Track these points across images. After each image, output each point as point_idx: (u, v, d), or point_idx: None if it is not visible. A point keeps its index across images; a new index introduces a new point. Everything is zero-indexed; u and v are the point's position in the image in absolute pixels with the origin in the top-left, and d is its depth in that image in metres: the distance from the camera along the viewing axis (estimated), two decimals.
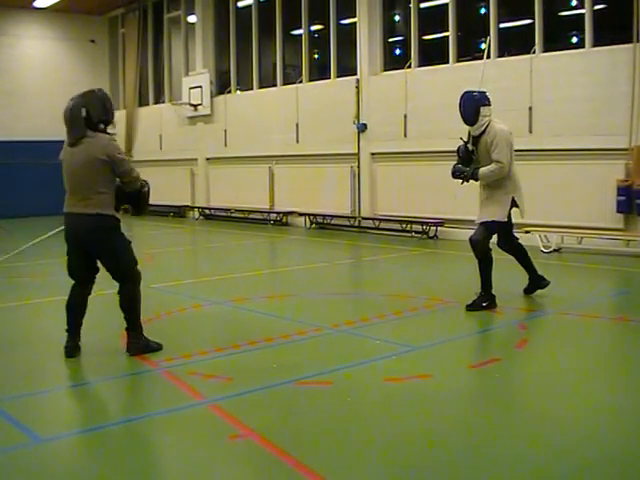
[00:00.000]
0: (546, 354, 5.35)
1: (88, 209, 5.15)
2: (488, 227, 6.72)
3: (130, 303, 5.37)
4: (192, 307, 7.15)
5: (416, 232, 12.87)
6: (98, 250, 5.27)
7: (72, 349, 5.41)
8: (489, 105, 6.68)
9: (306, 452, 3.57)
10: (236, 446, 3.69)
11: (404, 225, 13.10)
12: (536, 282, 7.17)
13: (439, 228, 12.60)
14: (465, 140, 6.87)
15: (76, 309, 5.50)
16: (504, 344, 5.64)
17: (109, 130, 5.42)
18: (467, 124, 6.73)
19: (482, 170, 6.66)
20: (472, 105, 6.63)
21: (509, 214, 6.80)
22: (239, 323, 6.54)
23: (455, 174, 6.91)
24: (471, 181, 6.88)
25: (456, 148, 6.95)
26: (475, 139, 6.71)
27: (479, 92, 6.78)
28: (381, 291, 7.96)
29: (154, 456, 3.72)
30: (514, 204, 6.75)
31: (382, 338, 5.75)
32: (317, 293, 7.71)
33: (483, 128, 6.60)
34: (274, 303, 7.26)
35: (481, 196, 6.92)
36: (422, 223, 12.71)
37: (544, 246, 10.69)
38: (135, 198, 5.45)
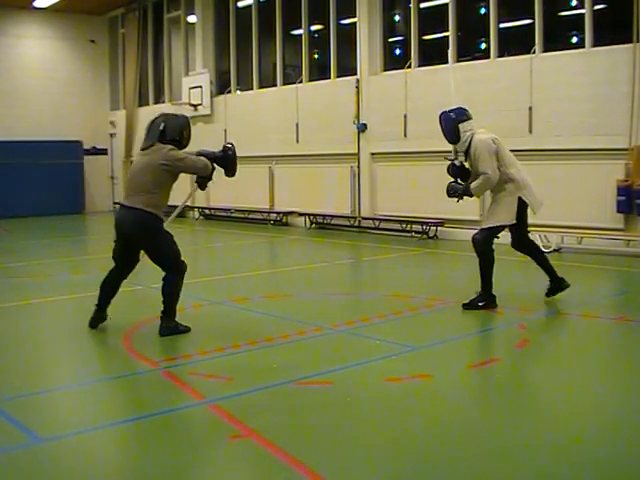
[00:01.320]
0: (546, 354, 5.35)
1: (135, 204, 5.79)
2: (492, 228, 6.70)
3: (170, 290, 5.91)
4: (192, 307, 7.15)
5: (416, 232, 12.87)
6: (138, 242, 5.90)
7: (95, 320, 6.10)
8: (468, 119, 6.71)
9: (306, 452, 3.57)
10: (236, 446, 3.69)
11: (404, 225, 13.10)
12: (557, 284, 6.98)
13: (439, 228, 12.60)
14: (451, 158, 6.92)
15: (107, 288, 6.13)
16: (504, 344, 5.65)
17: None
18: (451, 143, 6.81)
19: (472, 185, 6.71)
20: (450, 125, 6.68)
21: (522, 214, 6.71)
22: (239, 323, 6.54)
23: (449, 193, 6.98)
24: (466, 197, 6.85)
25: (446, 169, 6.93)
26: (465, 154, 6.74)
27: (456, 109, 6.78)
28: (381, 291, 7.96)
29: (154, 456, 3.72)
30: (523, 203, 6.67)
31: (382, 338, 5.76)
32: (317, 293, 7.71)
33: (467, 143, 6.64)
34: (274, 303, 7.26)
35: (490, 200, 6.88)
36: (422, 223, 12.71)
37: (544, 246, 10.67)
38: (222, 160, 6.04)
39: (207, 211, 17.84)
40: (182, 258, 5.93)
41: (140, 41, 20.08)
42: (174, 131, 5.91)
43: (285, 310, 6.98)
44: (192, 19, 18.41)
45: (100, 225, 18.39)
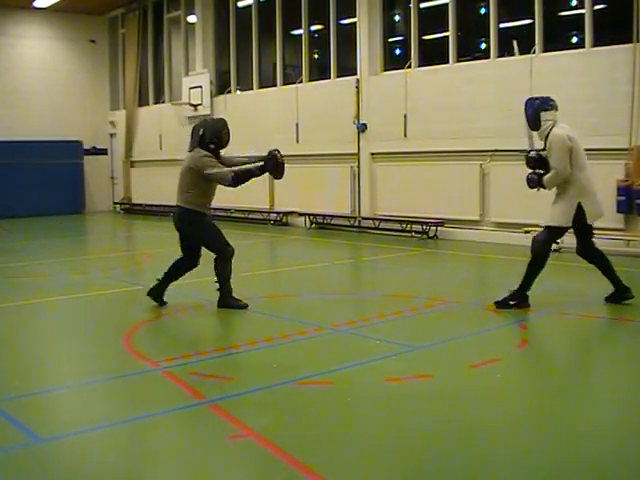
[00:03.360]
0: (546, 354, 5.35)
1: (178, 202, 6.77)
2: (551, 230, 6.66)
3: (218, 273, 6.84)
4: (192, 307, 7.15)
5: (416, 232, 12.87)
6: (184, 234, 6.87)
7: (152, 290, 6.99)
8: (551, 110, 6.66)
9: (306, 452, 3.57)
10: (236, 446, 3.69)
11: (404, 225, 13.10)
12: (620, 293, 6.81)
13: (439, 228, 12.60)
14: (527, 150, 6.87)
15: (172, 271, 7.00)
16: (504, 344, 5.65)
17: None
18: (532, 130, 6.78)
19: (545, 178, 6.66)
20: (532, 111, 6.67)
21: (584, 221, 6.59)
22: (239, 323, 6.54)
23: (528, 184, 6.94)
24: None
25: (524, 160, 6.90)
26: (545, 144, 6.69)
27: (542, 97, 6.79)
28: (381, 291, 7.96)
29: (154, 456, 3.72)
30: (582, 210, 6.54)
31: (382, 338, 5.76)
32: (317, 293, 7.71)
33: (546, 132, 6.59)
34: (274, 303, 7.26)
35: None
36: (422, 223, 12.70)
37: None
38: (267, 166, 6.66)
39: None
40: (227, 245, 6.85)
41: (140, 41, 20.08)
42: (212, 134, 6.77)
43: (285, 310, 6.98)
44: (192, 19, 18.40)
45: (100, 225, 18.39)
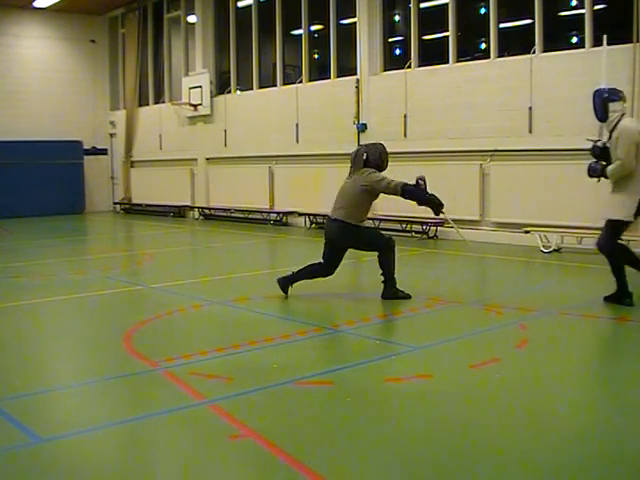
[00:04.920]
0: (546, 354, 5.35)
1: (339, 216, 7.19)
2: (611, 226, 6.61)
3: (384, 264, 7.24)
4: (192, 307, 7.16)
5: (416, 232, 12.87)
6: (341, 246, 7.30)
7: (281, 280, 7.34)
8: (619, 101, 6.64)
9: (306, 452, 3.57)
10: (236, 446, 3.69)
11: (404, 225, 13.10)
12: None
13: (439, 228, 12.60)
14: (594, 139, 6.89)
15: (306, 272, 7.34)
16: (504, 344, 5.64)
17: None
18: (599, 121, 6.80)
19: (608, 168, 6.64)
20: (600, 102, 6.65)
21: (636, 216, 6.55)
22: (239, 323, 6.54)
23: (589, 173, 6.93)
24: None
25: (590, 149, 6.91)
26: (610, 135, 6.67)
27: (610, 89, 6.77)
28: (381, 291, 7.95)
29: (154, 456, 3.72)
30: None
31: (382, 338, 5.76)
32: (317, 293, 7.71)
33: (613, 124, 6.57)
34: (274, 303, 7.26)
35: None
36: (422, 223, 12.70)
37: (544, 246, 10.69)
38: (424, 202, 7.11)
39: (207, 211, 17.85)
40: (384, 238, 7.34)
41: (140, 41, 20.08)
42: (375, 157, 7.20)
43: (285, 310, 6.98)
44: (192, 19, 18.41)
45: (100, 225, 18.40)
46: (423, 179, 7.03)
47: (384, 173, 7.20)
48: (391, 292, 7.20)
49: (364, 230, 7.40)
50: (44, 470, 3.46)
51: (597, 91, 6.79)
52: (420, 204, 7.17)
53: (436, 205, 7.00)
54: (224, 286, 8.52)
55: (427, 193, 7.01)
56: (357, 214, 7.20)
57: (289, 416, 4.11)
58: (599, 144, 6.83)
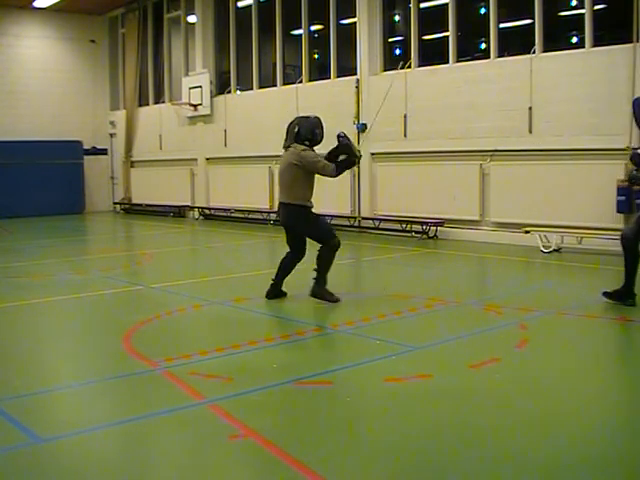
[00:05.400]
0: (546, 354, 5.35)
1: (285, 199, 7.01)
2: None
3: (322, 260, 7.02)
4: (192, 307, 7.16)
5: (416, 232, 12.87)
6: (294, 229, 7.11)
7: (269, 293, 7.23)
8: None
9: (306, 452, 3.57)
10: (236, 446, 3.69)
11: (404, 225, 13.10)
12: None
13: (439, 228, 12.61)
14: (635, 147, 6.93)
15: (283, 267, 7.23)
16: (504, 344, 5.64)
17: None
18: None
19: None
20: None
21: None
22: (239, 323, 6.54)
23: (631, 181, 7.02)
24: None
25: (629, 156, 6.90)
26: None
27: None
28: (381, 291, 7.96)
29: (154, 456, 3.72)
30: None
31: (382, 338, 5.75)
32: None
33: None
34: (274, 303, 7.26)
35: None
36: (422, 223, 12.71)
37: (544, 246, 10.69)
38: (340, 150, 6.93)
39: (207, 211, 17.85)
40: (334, 236, 7.03)
41: (140, 41, 20.08)
42: (307, 131, 6.99)
43: (285, 310, 6.98)
44: (192, 19, 18.40)
45: (100, 225, 18.39)
46: (344, 135, 6.96)
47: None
48: (320, 291, 7.04)
49: (317, 217, 7.21)
50: (44, 470, 3.46)
51: (637, 100, 6.71)
52: (345, 153, 6.97)
53: (352, 158, 6.93)
54: (224, 286, 8.52)
55: (348, 148, 6.91)
56: (299, 193, 6.96)
57: (289, 416, 4.11)
58: (639, 151, 6.76)
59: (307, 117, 7.18)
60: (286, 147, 7.11)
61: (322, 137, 7.12)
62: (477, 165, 12.16)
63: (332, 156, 6.98)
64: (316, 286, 7.06)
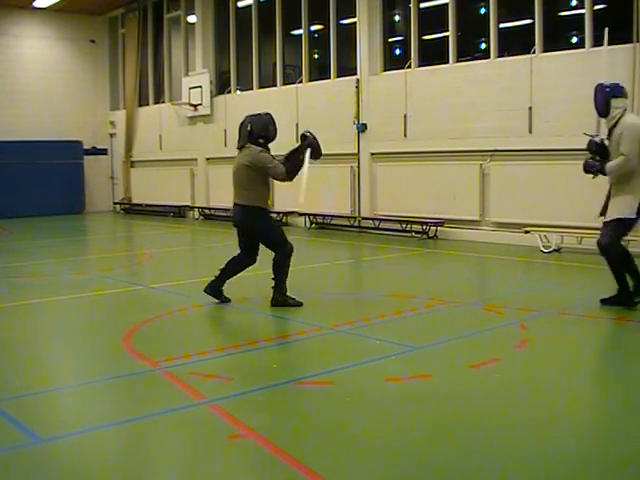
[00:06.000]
0: (546, 354, 5.35)
1: (239, 200, 6.92)
2: (614, 226, 6.48)
3: (276, 267, 6.88)
4: (192, 307, 7.16)
5: (416, 232, 12.87)
6: (247, 232, 6.96)
7: (208, 286, 7.09)
8: (622, 97, 6.58)
9: (306, 452, 3.57)
10: (236, 446, 3.69)
11: (404, 225, 13.10)
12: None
13: (439, 228, 12.61)
14: (592, 134, 6.81)
15: (229, 268, 7.11)
16: (504, 344, 5.65)
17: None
18: (600, 116, 6.72)
19: (608, 164, 6.54)
20: (602, 97, 6.57)
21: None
22: (239, 323, 6.54)
23: (585, 169, 6.82)
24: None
25: (586, 144, 6.82)
26: (609, 132, 6.60)
27: (612, 84, 6.66)
28: (381, 291, 7.96)
29: (154, 456, 3.72)
30: None
31: (382, 338, 5.75)
32: (317, 293, 7.71)
33: (615, 120, 6.50)
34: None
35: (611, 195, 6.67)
36: (422, 223, 12.71)
37: (544, 246, 10.70)
38: (307, 144, 6.71)
39: (207, 211, 17.84)
40: (286, 241, 6.88)
41: (140, 41, 20.08)
42: (260, 129, 6.80)
43: (285, 310, 6.97)
44: (192, 19, 18.41)
45: (100, 225, 18.39)
46: (309, 133, 6.77)
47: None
48: (280, 299, 6.91)
49: (269, 221, 7.12)
50: (44, 470, 3.46)
51: (599, 86, 6.69)
52: (303, 155, 6.74)
53: (313, 141, 6.71)
54: (224, 286, 8.50)
55: (297, 150, 6.76)
56: (253, 195, 6.85)
57: (289, 416, 4.11)
58: (597, 140, 6.75)
59: (259, 115, 6.97)
60: (240, 147, 6.96)
61: (276, 133, 6.96)
62: (477, 165, 12.16)
63: (292, 156, 6.82)
64: (277, 294, 6.92)
